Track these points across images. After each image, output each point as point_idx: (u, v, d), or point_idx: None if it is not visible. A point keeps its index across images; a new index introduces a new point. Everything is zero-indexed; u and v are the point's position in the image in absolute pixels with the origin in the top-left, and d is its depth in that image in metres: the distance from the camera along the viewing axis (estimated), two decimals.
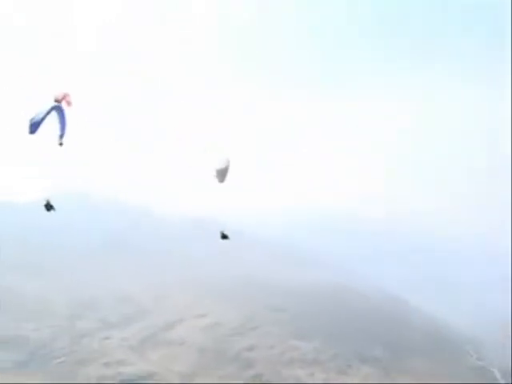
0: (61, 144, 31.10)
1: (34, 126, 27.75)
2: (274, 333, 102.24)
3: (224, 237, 37.72)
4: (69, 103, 30.90)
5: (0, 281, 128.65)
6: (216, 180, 29.07)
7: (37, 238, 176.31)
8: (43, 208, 34.91)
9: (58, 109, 29.64)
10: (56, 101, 29.95)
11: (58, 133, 30.10)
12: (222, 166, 27.91)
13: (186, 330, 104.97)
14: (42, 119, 28.29)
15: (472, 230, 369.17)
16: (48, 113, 28.65)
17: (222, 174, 28.01)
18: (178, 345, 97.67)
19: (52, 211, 34.56)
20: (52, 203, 34.45)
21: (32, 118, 27.87)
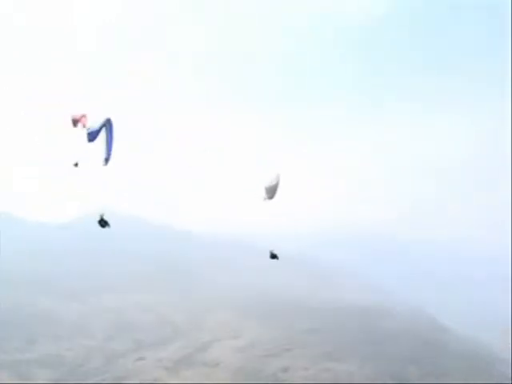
0: (75, 164, 30.84)
1: (92, 135, 27.26)
2: (308, 354, 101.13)
3: (273, 256, 36.84)
4: (85, 125, 29.44)
5: (40, 302, 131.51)
6: (265, 198, 28.76)
7: (75, 260, 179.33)
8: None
9: (108, 123, 28.43)
10: (73, 120, 29.59)
11: (104, 155, 28.85)
12: (272, 182, 27.77)
13: (221, 351, 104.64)
14: (100, 127, 27.61)
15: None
16: (103, 125, 27.89)
17: (272, 191, 27.85)
18: (213, 365, 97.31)
19: (107, 227, 32.05)
20: (106, 219, 32.10)
21: (88, 128, 27.31)
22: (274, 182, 27.80)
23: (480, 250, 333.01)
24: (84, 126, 29.51)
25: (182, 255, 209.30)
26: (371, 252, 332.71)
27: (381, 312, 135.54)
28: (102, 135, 28.24)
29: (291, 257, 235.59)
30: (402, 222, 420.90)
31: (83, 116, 29.41)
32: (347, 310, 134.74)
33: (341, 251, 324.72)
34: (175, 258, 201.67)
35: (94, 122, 27.43)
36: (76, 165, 30.46)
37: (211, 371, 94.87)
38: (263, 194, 28.88)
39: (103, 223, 31.67)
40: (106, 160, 28.76)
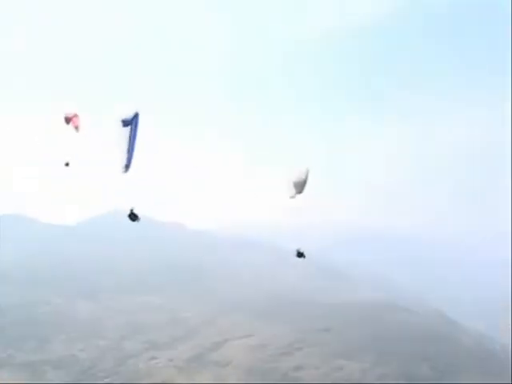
0: (66, 164, 31.13)
1: (126, 122, 26.21)
2: (320, 353, 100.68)
3: (300, 255, 36.30)
4: (77, 128, 30.27)
5: (53, 303, 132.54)
6: (293, 193, 28.72)
7: (87, 261, 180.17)
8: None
9: (136, 118, 26.74)
10: (66, 119, 29.89)
11: (124, 162, 27.02)
12: (301, 177, 27.78)
13: (233, 351, 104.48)
14: (133, 118, 26.30)
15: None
16: (134, 117, 26.47)
17: (300, 186, 27.92)
18: (225, 365, 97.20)
19: (136, 221, 31.08)
20: (135, 212, 30.90)
21: (122, 116, 26.08)
22: (302, 177, 27.78)
23: (488, 254, 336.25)
24: (76, 127, 29.62)
25: (193, 255, 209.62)
26: (381, 250, 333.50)
27: (391, 308, 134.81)
28: (123, 139, 26.77)
29: (305, 255, 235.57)
30: (414, 223, 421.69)
31: (75, 115, 29.77)
32: (358, 307, 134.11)
33: (351, 250, 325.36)
34: (187, 258, 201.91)
35: (128, 112, 26.39)
36: (67, 164, 30.73)
37: (223, 371, 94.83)
38: (291, 189, 28.81)
39: (133, 217, 30.87)
40: (127, 167, 27.25)
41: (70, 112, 29.76)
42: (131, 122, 26.40)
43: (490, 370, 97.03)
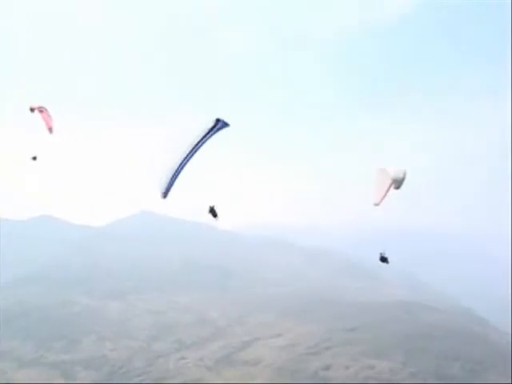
0: (33, 158, 31.67)
1: (222, 124, 21.62)
2: (349, 352, 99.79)
3: (383, 259, 35.85)
4: (50, 130, 30.16)
5: (83, 303, 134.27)
6: (377, 199, 30.25)
7: (116, 261, 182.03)
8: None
9: (218, 129, 21.87)
10: (31, 108, 30.28)
11: (163, 187, 22.66)
12: (399, 175, 29.24)
13: (262, 350, 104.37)
14: (224, 125, 21.61)
15: None
16: (224, 125, 21.75)
17: (400, 182, 29.44)
18: (254, 364, 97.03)
19: (216, 219, 27.12)
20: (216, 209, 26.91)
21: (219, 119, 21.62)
22: (401, 175, 29.22)
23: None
24: (50, 129, 29.93)
25: (220, 255, 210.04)
26: (407, 248, 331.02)
27: (419, 307, 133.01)
28: (184, 149, 22.11)
29: (331, 254, 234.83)
30: (438, 220, 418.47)
31: (41, 107, 30.31)
32: (386, 306, 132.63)
33: (379, 248, 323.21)
34: (213, 257, 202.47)
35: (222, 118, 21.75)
36: (34, 158, 31.19)
37: (252, 370, 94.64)
38: (376, 196, 30.31)
39: (214, 213, 27.24)
40: (165, 194, 23.02)
41: (35, 105, 30.43)
42: (221, 126, 21.91)
43: None
